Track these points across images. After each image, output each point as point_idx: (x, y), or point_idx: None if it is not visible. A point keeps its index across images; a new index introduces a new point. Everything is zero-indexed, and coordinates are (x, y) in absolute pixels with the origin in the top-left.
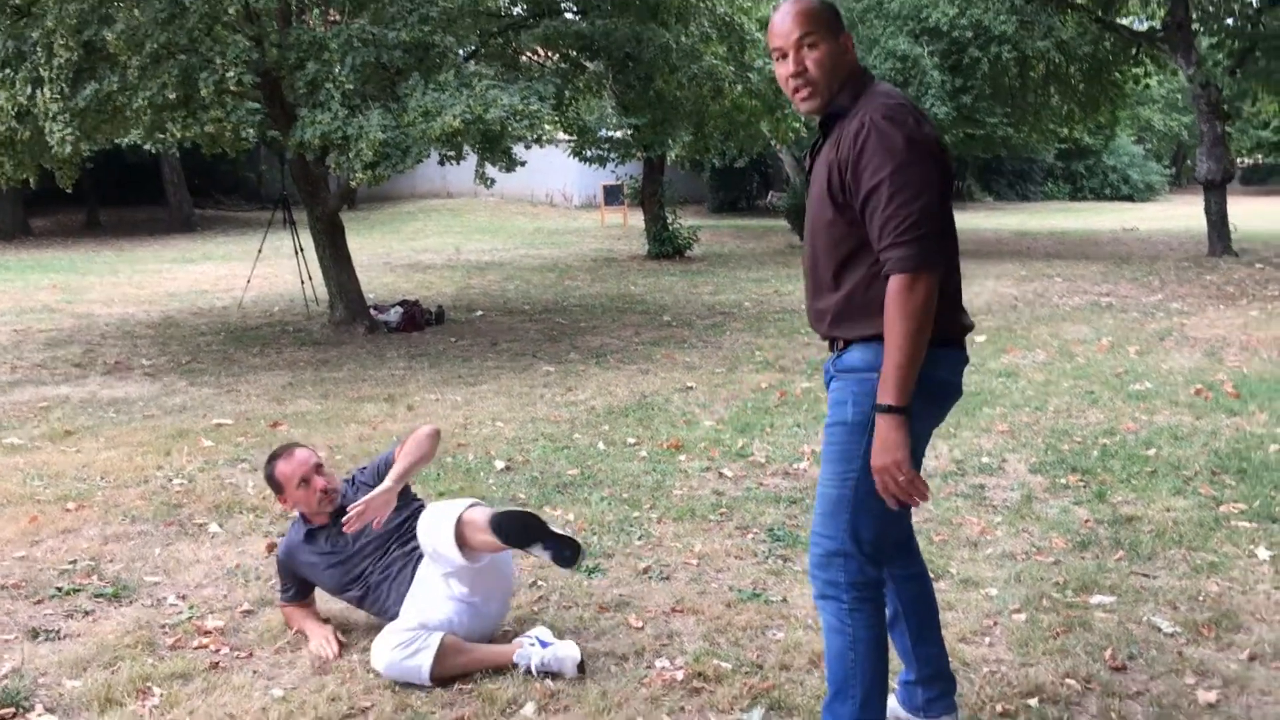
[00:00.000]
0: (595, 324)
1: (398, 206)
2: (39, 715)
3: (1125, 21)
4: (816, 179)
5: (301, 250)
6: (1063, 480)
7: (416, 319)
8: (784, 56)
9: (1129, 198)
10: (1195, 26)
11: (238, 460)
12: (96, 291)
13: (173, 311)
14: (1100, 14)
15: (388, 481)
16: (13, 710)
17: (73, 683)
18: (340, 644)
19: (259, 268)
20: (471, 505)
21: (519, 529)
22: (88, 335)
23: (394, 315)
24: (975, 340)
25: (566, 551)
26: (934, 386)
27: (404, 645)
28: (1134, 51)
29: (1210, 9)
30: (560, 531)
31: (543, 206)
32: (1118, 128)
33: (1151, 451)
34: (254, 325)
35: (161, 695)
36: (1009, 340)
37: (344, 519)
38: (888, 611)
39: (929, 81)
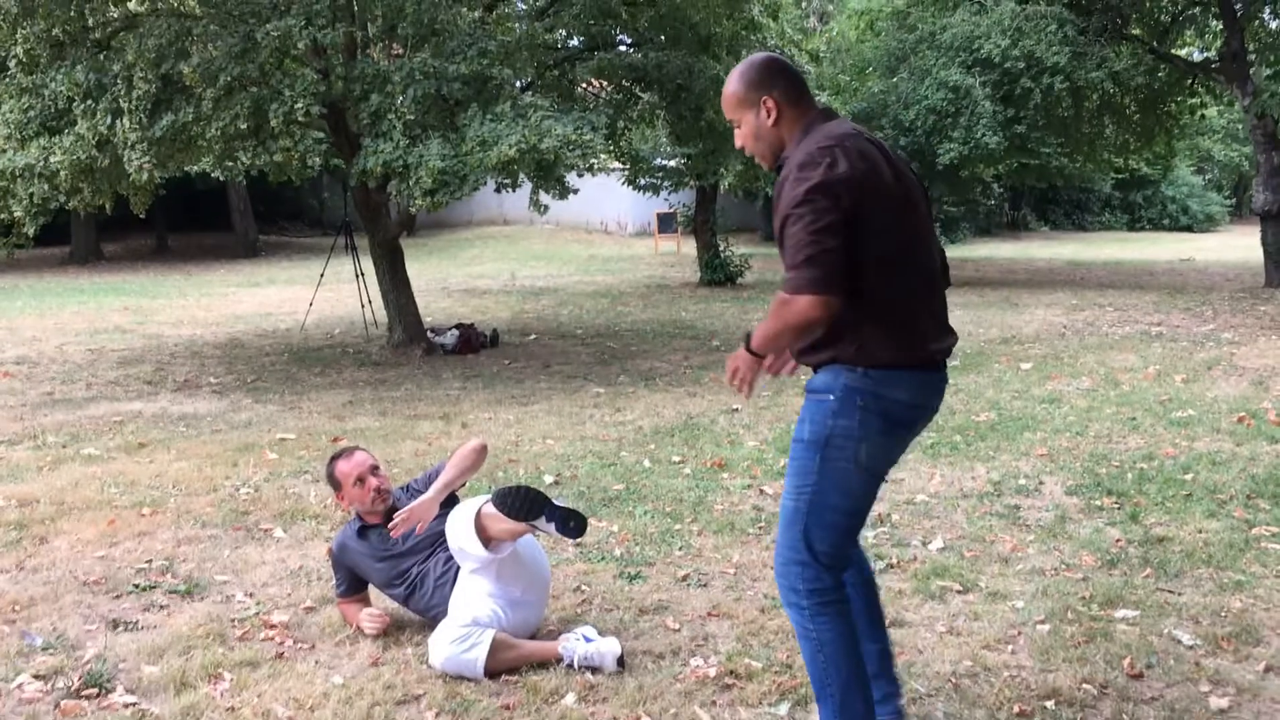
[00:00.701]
0: (646, 348)
1: (456, 234)
2: (120, 696)
3: (1181, 52)
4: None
5: (362, 274)
6: (1097, 502)
7: (472, 341)
8: None
9: (1188, 228)
10: (1251, 56)
11: (300, 472)
12: (166, 313)
13: (238, 333)
14: (1155, 45)
15: (431, 491)
16: (96, 691)
17: (150, 668)
18: (387, 617)
19: (320, 291)
20: (488, 500)
21: (521, 502)
22: (158, 355)
23: (450, 338)
24: (1020, 367)
25: (571, 523)
26: (889, 405)
27: (459, 641)
28: (1189, 82)
29: (1268, 39)
30: (562, 504)
31: (597, 234)
32: (1175, 158)
33: (1189, 476)
34: (316, 346)
35: (232, 680)
36: (1054, 368)
37: (390, 523)
38: None
39: (981, 112)
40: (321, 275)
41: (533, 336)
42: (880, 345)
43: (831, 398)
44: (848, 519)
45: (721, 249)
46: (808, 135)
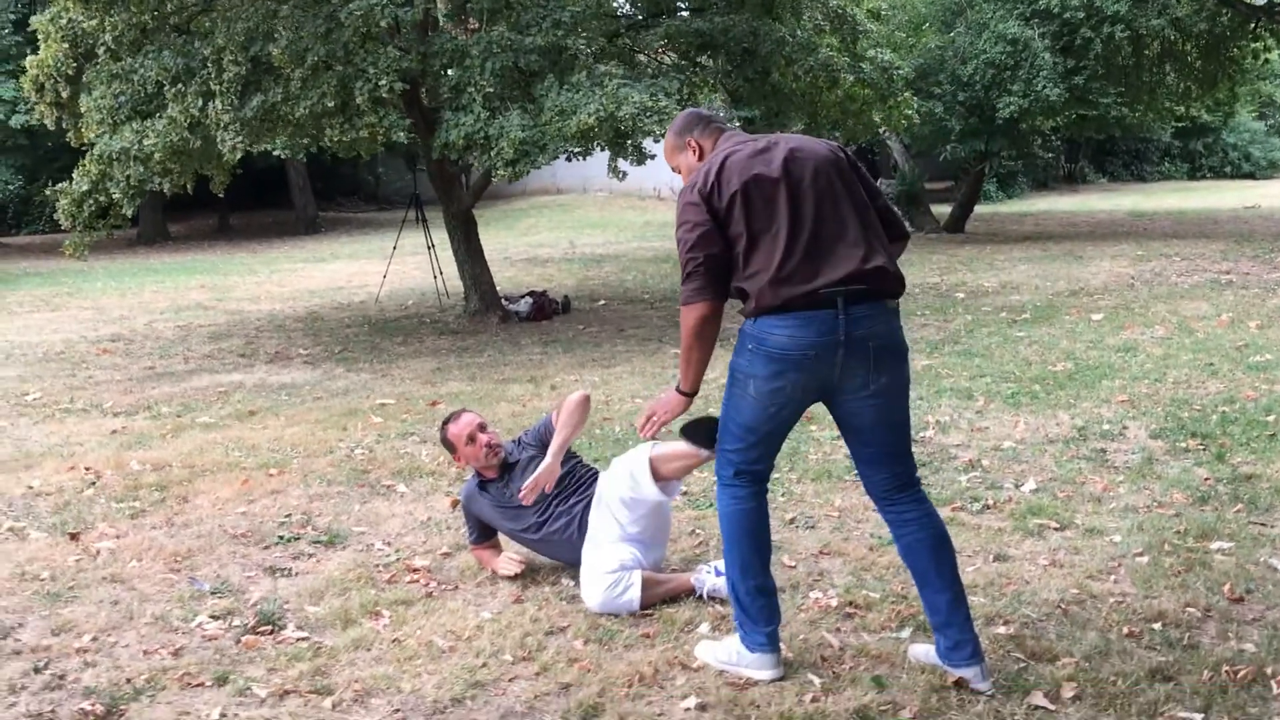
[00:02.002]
0: None
1: (510, 204)
2: (292, 631)
3: None
4: None
5: (433, 246)
6: (1182, 444)
7: (545, 309)
8: None
9: (1250, 175)
10: None
11: (407, 434)
12: (241, 290)
13: (315, 307)
14: None
15: (549, 456)
16: (270, 628)
17: (313, 608)
18: (524, 562)
19: (386, 265)
20: (653, 444)
21: (709, 431)
22: (244, 329)
23: (524, 305)
24: (1092, 318)
25: None
26: (772, 349)
27: (613, 585)
28: (1253, 26)
29: None
30: None
31: (651, 200)
32: (1237, 104)
33: (1271, 418)
34: (393, 317)
35: (390, 616)
36: (1126, 317)
37: (520, 494)
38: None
39: (1040, 64)
40: (395, 247)
41: (601, 302)
42: (757, 298)
43: (737, 340)
44: (743, 432)
45: None
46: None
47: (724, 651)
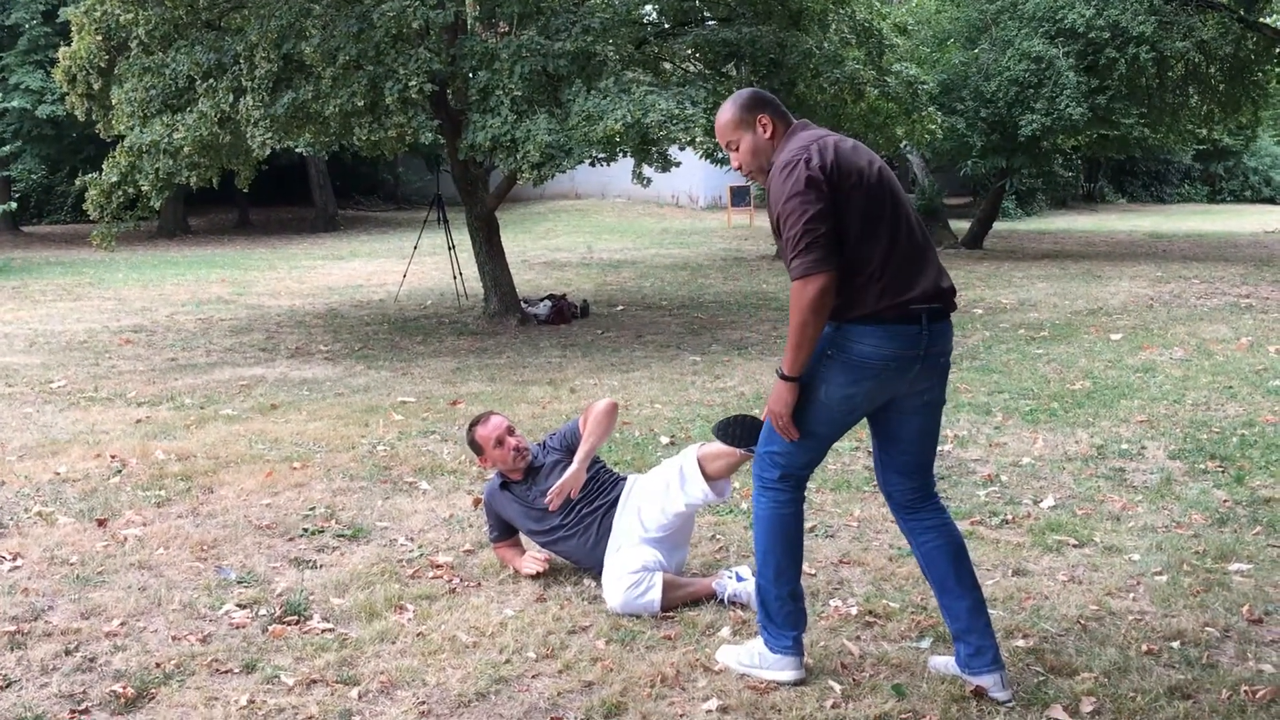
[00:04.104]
0: (733, 319)
1: (529, 207)
2: (318, 623)
3: (1269, 20)
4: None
5: (454, 247)
6: (1201, 465)
7: (564, 312)
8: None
9: (1271, 200)
10: None
11: (428, 432)
12: (261, 285)
13: (334, 304)
14: (1242, 13)
15: (576, 463)
16: (296, 618)
17: (338, 600)
18: (546, 562)
19: (406, 265)
20: (699, 445)
21: (744, 430)
22: (264, 324)
23: (543, 309)
24: (1110, 338)
25: None
26: (852, 358)
27: (634, 586)
28: (1278, 50)
29: None
30: None
31: (669, 208)
32: (1259, 128)
33: None
34: (412, 317)
35: (415, 610)
36: (1145, 338)
37: (546, 499)
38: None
39: (1064, 83)
40: (415, 247)
41: (620, 308)
42: (850, 303)
43: (821, 354)
44: (802, 436)
45: None
46: (786, 144)
47: (746, 655)
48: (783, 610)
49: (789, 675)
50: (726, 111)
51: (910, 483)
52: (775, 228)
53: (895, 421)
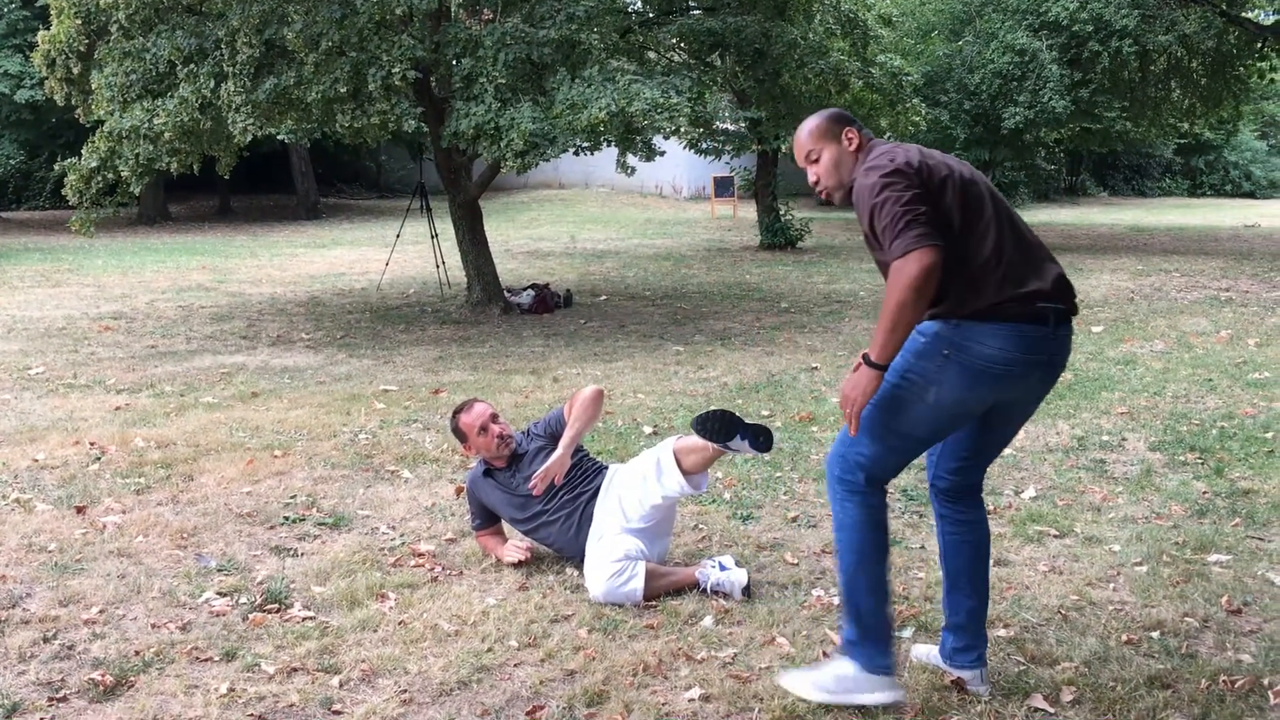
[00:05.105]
0: (716, 309)
1: (512, 196)
2: (299, 610)
3: (1251, 15)
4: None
5: (437, 235)
6: (1181, 457)
7: (547, 302)
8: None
9: (1250, 194)
10: None
11: (411, 420)
12: (242, 273)
13: (316, 292)
14: (1225, 7)
15: (561, 449)
16: (277, 606)
17: (319, 588)
18: (528, 552)
19: (388, 253)
20: (677, 437)
21: (720, 424)
22: (245, 312)
23: (526, 298)
24: (1091, 330)
25: (761, 438)
26: (974, 360)
27: (617, 575)
28: (1259, 45)
29: None
30: (752, 422)
31: (652, 197)
32: (1240, 122)
33: (1270, 434)
34: (394, 305)
35: (396, 599)
36: (1126, 331)
37: (530, 484)
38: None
39: (1047, 75)
40: (398, 236)
41: (603, 298)
42: (975, 299)
43: (923, 339)
44: (895, 440)
45: (782, 213)
46: (865, 157)
47: (830, 681)
48: (880, 626)
49: (891, 696)
50: (811, 121)
51: (964, 478)
52: (870, 235)
53: (990, 421)
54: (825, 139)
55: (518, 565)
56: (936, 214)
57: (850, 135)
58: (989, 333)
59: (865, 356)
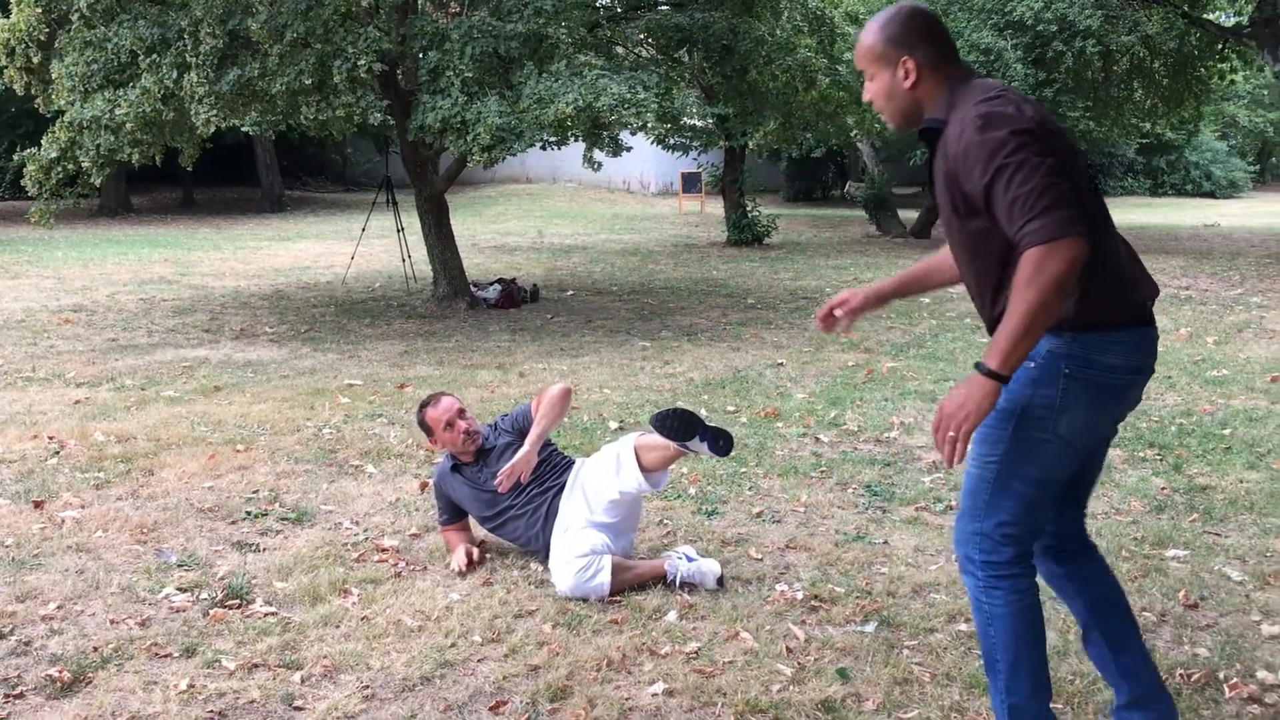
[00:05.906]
0: (683, 305)
1: (479, 191)
2: (260, 606)
3: (1212, 16)
4: (941, 198)
5: (403, 229)
6: (1140, 454)
7: (514, 296)
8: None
9: (1211, 194)
10: None
11: (375, 415)
12: (205, 265)
13: (281, 285)
14: (1187, 9)
15: (527, 445)
16: (238, 602)
17: (281, 584)
18: (473, 561)
19: (354, 246)
20: (639, 434)
21: (680, 424)
22: (208, 305)
23: (493, 292)
24: None
25: (720, 441)
26: (1098, 373)
27: (583, 570)
28: (1220, 47)
29: None
30: (712, 425)
31: (620, 193)
32: (1201, 123)
33: (1227, 431)
34: (360, 299)
35: (359, 595)
36: None
37: (496, 480)
38: (1078, 623)
39: (1012, 75)
40: (364, 229)
41: (570, 293)
42: (1091, 305)
43: (1032, 365)
44: (1037, 490)
45: (749, 209)
46: (964, 93)
47: None
48: None
49: None
50: (871, 33)
51: (1072, 523)
52: (969, 198)
53: (1098, 449)
54: (880, 64)
55: (461, 575)
56: (1075, 194)
57: (909, 66)
58: (1112, 341)
59: (980, 365)
